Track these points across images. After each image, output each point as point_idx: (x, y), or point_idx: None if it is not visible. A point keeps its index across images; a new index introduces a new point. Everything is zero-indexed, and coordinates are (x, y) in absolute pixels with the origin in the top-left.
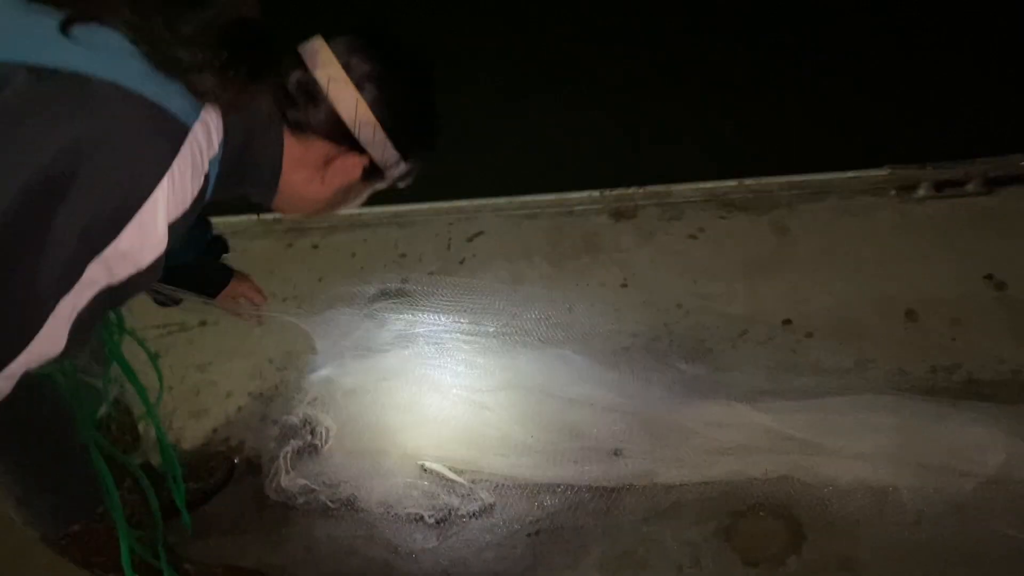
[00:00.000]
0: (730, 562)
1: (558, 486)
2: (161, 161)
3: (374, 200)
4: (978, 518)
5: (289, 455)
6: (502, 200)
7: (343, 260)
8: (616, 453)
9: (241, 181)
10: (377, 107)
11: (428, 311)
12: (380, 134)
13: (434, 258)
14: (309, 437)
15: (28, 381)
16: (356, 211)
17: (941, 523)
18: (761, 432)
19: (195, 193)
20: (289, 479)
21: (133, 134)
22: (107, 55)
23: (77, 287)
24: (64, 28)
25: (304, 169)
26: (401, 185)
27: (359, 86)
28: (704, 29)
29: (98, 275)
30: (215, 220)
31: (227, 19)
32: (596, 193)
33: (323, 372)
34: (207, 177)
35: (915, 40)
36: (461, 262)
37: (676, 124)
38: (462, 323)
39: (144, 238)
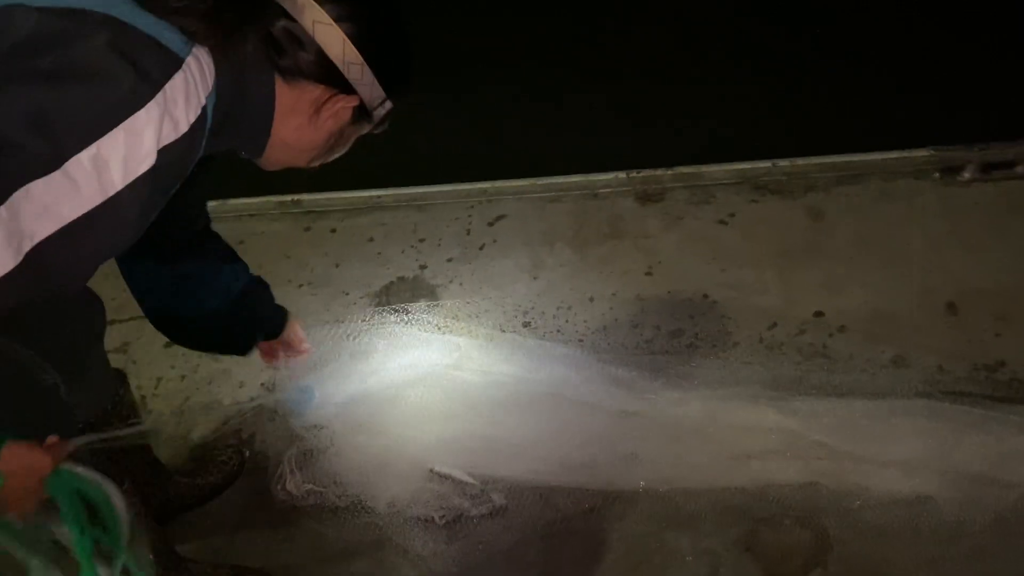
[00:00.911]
0: (751, 573)
1: (573, 489)
2: (156, 80)
3: (394, 182)
4: (1021, 532)
5: (294, 457)
6: (525, 182)
7: (361, 245)
8: (633, 456)
9: (235, 128)
10: (360, 45)
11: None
12: (367, 72)
13: (453, 244)
14: (316, 439)
15: None
16: (375, 193)
17: (980, 537)
18: (787, 436)
19: (191, 121)
20: (295, 482)
21: (130, 55)
22: None
23: (50, 181)
24: None
25: (296, 115)
26: (378, 131)
27: (340, 27)
28: (737, 2)
29: (76, 175)
30: (235, 202)
31: None
32: (622, 175)
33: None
34: (204, 111)
35: (959, 13)
36: (481, 248)
37: (707, 102)
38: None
39: (129, 147)
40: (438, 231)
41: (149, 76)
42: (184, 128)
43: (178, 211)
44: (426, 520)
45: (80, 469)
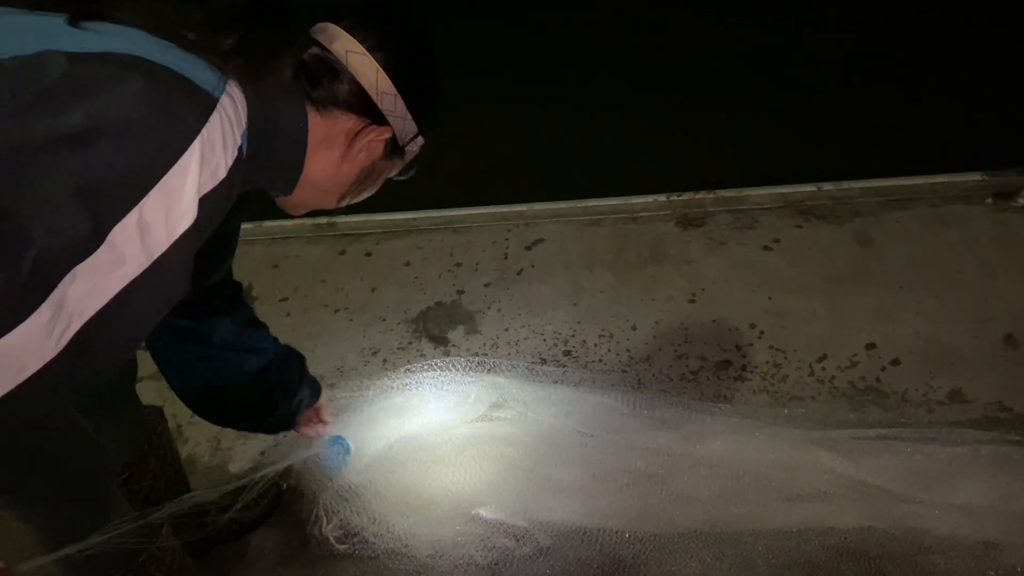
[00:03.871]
0: None
1: (621, 532)
2: (192, 126)
3: (429, 204)
4: None
5: (330, 501)
6: (563, 205)
7: (397, 269)
8: (683, 498)
9: (268, 163)
10: (393, 75)
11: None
12: (400, 103)
13: (491, 268)
14: (352, 483)
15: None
16: (411, 216)
17: None
18: (843, 477)
19: (229, 164)
20: (331, 527)
21: (163, 100)
22: (127, 39)
23: (95, 259)
24: (73, 22)
25: (329, 148)
26: (406, 176)
27: (373, 56)
28: (779, 21)
29: (120, 245)
30: (269, 224)
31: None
32: (662, 198)
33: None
34: (240, 151)
35: (1010, 32)
36: (519, 273)
37: (749, 124)
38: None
39: (171, 205)
40: (475, 255)
41: (184, 122)
42: (223, 174)
43: (202, 256)
44: (468, 561)
45: None
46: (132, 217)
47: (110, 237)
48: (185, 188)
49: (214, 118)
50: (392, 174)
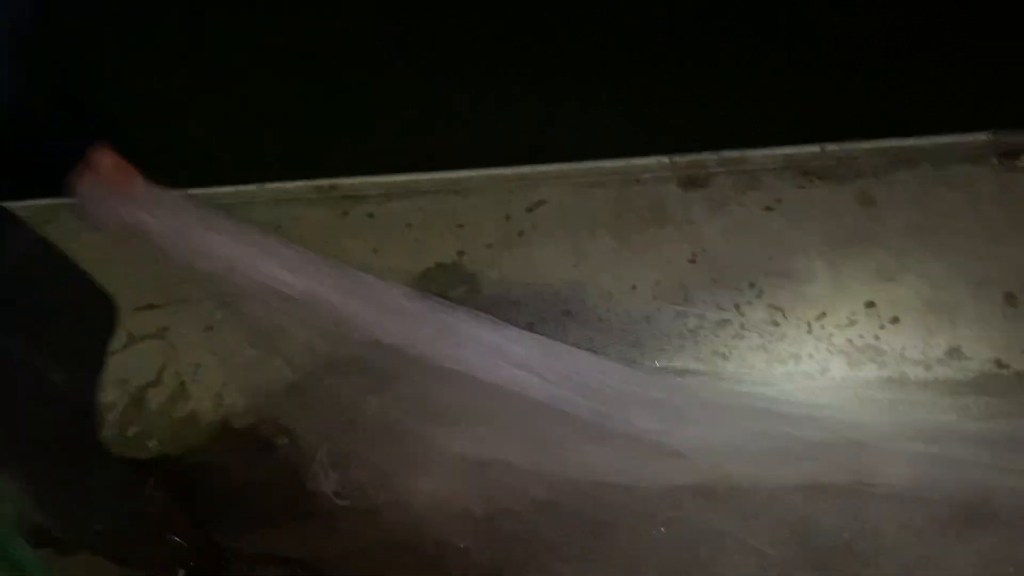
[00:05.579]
0: (801, 572)
1: (619, 485)
2: None
3: (431, 166)
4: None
5: (326, 456)
6: (565, 167)
7: (399, 230)
8: (680, 454)
9: None
10: None
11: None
12: None
13: (493, 229)
14: (349, 437)
15: None
16: (413, 177)
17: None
18: (839, 435)
19: None
20: (328, 481)
21: None
22: None
23: None
24: None
25: None
26: None
27: None
28: None
29: None
30: (271, 187)
31: None
32: (665, 159)
33: None
34: None
35: None
36: (520, 234)
37: (751, 83)
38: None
39: None
40: (477, 216)
41: None
42: None
43: None
44: (466, 513)
45: None
46: None
47: None
48: None
49: None
50: None
